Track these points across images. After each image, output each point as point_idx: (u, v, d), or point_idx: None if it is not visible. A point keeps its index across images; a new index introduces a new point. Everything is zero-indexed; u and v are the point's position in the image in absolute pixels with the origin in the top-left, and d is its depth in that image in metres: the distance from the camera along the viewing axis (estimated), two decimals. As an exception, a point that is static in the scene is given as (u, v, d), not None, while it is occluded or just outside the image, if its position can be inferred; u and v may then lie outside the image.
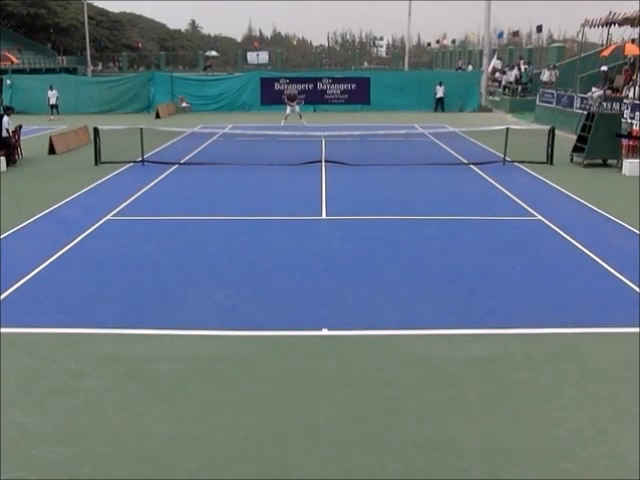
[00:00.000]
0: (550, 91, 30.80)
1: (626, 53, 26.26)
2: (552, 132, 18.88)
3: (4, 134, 18.73)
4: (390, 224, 12.13)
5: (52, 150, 21.03)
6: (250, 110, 37.25)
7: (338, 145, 21.75)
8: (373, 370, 6.47)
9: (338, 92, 38.32)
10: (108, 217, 12.60)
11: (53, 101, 33.42)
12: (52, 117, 32.82)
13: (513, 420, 5.58)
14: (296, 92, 33.94)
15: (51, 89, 33.63)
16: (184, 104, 37.87)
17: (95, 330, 7.44)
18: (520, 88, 37.88)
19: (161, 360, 6.70)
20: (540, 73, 37.20)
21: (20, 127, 20.81)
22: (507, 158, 18.66)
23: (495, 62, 45.12)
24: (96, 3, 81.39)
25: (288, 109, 30.11)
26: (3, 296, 8.36)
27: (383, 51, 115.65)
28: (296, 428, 5.48)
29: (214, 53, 79.61)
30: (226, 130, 25.81)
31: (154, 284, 8.97)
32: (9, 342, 7.06)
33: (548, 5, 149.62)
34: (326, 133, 21.86)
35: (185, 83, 39.67)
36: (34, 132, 26.44)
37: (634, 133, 19.50)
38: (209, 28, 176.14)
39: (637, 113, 21.33)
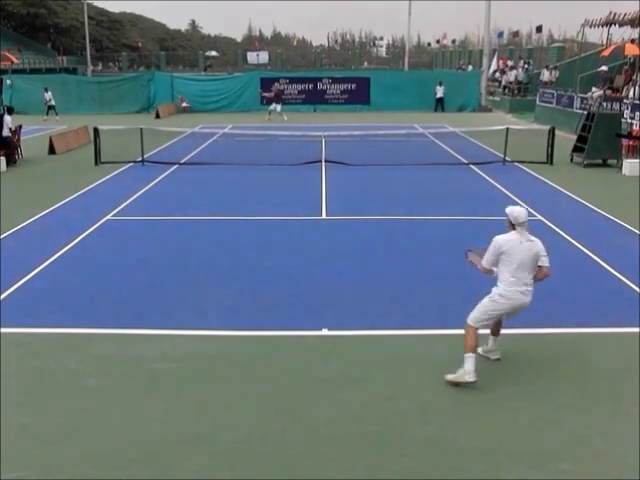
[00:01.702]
0: (550, 91, 30.79)
1: (626, 53, 26.24)
2: (552, 132, 18.88)
3: (5, 133, 18.72)
4: (390, 224, 12.13)
5: (52, 150, 21.03)
6: (250, 110, 37.25)
7: (338, 145, 21.75)
8: (373, 370, 6.47)
9: (338, 92, 38.34)
10: (108, 217, 12.60)
11: (49, 102, 33.34)
12: (46, 117, 32.77)
13: (513, 420, 5.58)
14: (280, 91, 35.31)
15: (46, 91, 33.57)
16: (184, 104, 37.87)
17: (95, 330, 7.45)
18: (520, 88, 37.86)
19: (161, 360, 6.70)
20: (540, 73, 37.19)
21: (20, 127, 20.82)
22: (507, 158, 18.66)
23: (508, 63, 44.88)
24: (96, 3, 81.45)
25: (272, 105, 32.75)
26: (3, 296, 8.37)
27: (383, 51, 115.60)
28: (296, 428, 5.49)
29: (214, 53, 79.62)
30: (226, 130, 25.82)
31: (154, 284, 8.97)
32: (9, 342, 7.06)
33: (548, 5, 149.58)
34: (326, 133, 21.88)
35: (185, 83, 39.67)
36: (34, 132, 26.44)
37: (634, 133, 19.49)
38: (209, 28, 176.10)
39: (637, 113, 21.33)
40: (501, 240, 6.02)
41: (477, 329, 6.13)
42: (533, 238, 6.09)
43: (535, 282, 6.11)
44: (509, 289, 5.99)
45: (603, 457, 5.09)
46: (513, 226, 6.04)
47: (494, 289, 6.12)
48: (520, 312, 6.22)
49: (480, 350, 6.63)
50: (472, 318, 6.15)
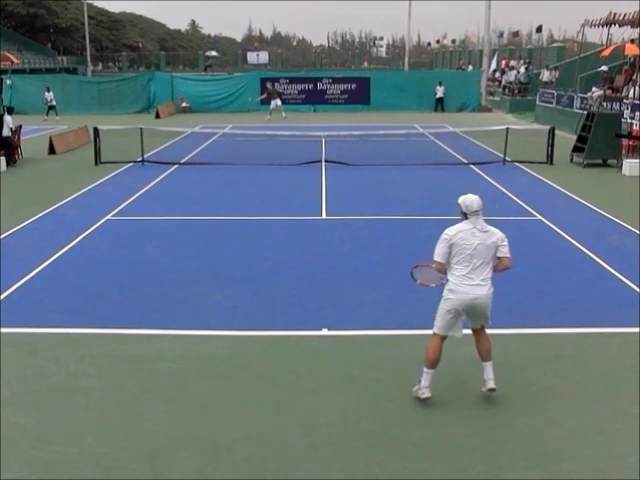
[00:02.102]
0: (550, 91, 30.79)
1: (626, 53, 26.23)
2: (552, 132, 18.87)
3: (5, 133, 18.71)
4: (390, 224, 12.13)
5: (52, 150, 21.03)
6: (250, 110, 37.24)
7: (338, 145, 21.74)
8: (373, 370, 6.47)
9: (338, 92, 38.33)
10: (108, 217, 12.60)
11: (51, 102, 33.37)
12: (46, 117, 32.77)
13: (513, 420, 5.58)
14: (278, 90, 35.44)
15: (48, 91, 33.60)
16: (184, 104, 37.87)
17: (95, 330, 7.45)
18: (520, 88, 37.84)
19: (161, 360, 6.70)
20: (540, 73, 37.20)
21: (20, 127, 20.81)
22: (507, 158, 18.65)
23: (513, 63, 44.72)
24: (96, 3, 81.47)
25: (272, 104, 32.85)
26: (3, 296, 8.36)
27: (383, 51, 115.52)
28: (296, 428, 5.49)
29: (214, 53, 79.57)
30: (226, 130, 25.81)
31: (154, 284, 8.97)
32: (9, 342, 7.06)
33: (548, 5, 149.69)
34: (326, 133, 21.87)
35: (185, 83, 39.66)
36: (34, 132, 26.44)
37: (634, 133, 19.48)
38: (209, 28, 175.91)
39: (637, 113, 21.32)
40: (451, 231, 5.64)
41: (441, 338, 5.75)
42: (489, 228, 5.63)
43: (495, 272, 5.70)
44: (456, 282, 5.58)
45: (603, 457, 5.09)
46: (466, 216, 5.62)
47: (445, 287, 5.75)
48: (484, 310, 5.67)
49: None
50: (434, 324, 5.81)
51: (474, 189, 17.12)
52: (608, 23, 28.09)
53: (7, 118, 18.99)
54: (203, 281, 9.05)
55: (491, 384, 5.75)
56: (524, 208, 13.30)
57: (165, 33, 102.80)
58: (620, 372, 6.43)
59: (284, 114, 31.99)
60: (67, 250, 10.44)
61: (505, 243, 5.66)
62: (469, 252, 5.55)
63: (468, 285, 5.57)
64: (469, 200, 5.62)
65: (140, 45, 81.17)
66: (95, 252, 10.43)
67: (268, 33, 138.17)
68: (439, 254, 5.68)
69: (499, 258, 5.66)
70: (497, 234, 5.66)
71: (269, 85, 35.16)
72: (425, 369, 5.72)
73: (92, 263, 9.89)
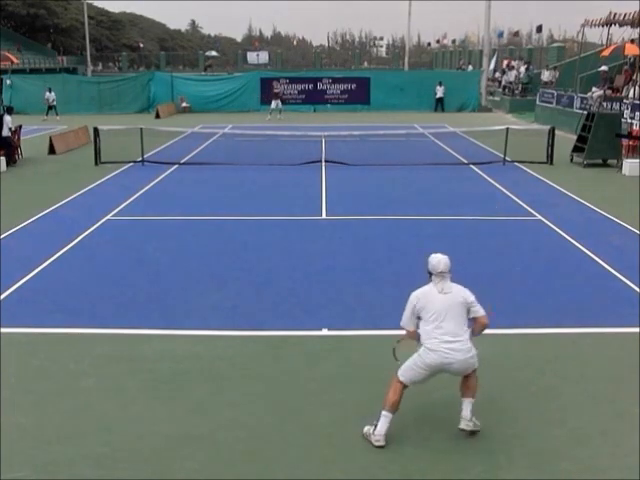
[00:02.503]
0: (550, 91, 30.79)
1: (626, 53, 26.22)
2: (552, 132, 18.87)
3: (5, 133, 18.70)
4: (390, 224, 12.13)
5: (52, 150, 21.02)
6: (250, 110, 37.25)
7: (338, 145, 21.73)
8: (373, 370, 6.46)
9: (338, 92, 38.33)
10: (108, 217, 12.59)
11: (51, 102, 33.44)
12: (46, 117, 32.81)
13: (513, 420, 5.58)
14: (280, 91, 35.55)
15: (49, 91, 33.67)
16: (184, 104, 37.87)
17: (95, 330, 7.45)
18: (520, 88, 37.85)
19: (161, 360, 6.70)
20: (540, 73, 37.19)
21: (20, 127, 20.80)
22: (507, 158, 18.65)
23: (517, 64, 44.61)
24: (96, 3, 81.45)
25: (273, 104, 33.33)
26: (3, 296, 8.36)
27: (383, 51, 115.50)
28: (296, 428, 5.49)
29: (214, 53, 79.55)
30: (226, 130, 25.80)
31: (154, 284, 8.97)
32: (9, 342, 7.06)
33: (548, 5, 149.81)
34: (326, 133, 21.87)
35: (185, 83, 39.67)
36: (34, 132, 26.43)
37: (634, 133, 19.46)
38: (209, 28, 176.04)
39: (637, 113, 21.31)
40: (415, 294, 5.36)
41: (404, 386, 5.28)
42: (453, 289, 5.29)
43: (474, 335, 5.30)
44: (433, 341, 5.18)
45: (603, 457, 5.09)
46: (431, 275, 5.34)
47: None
48: (464, 371, 5.26)
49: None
50: (400, 369, 5.33)
51: (474, 189, 17.15)
52: (608, 23, 28.08)
53: (7, 118, 18.98)
54: (203, 281, 9.05)
55: (463, 425, 5.26)
56: (524, 208, 13.30)
57: (165, 33, 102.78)
58: (620, 372, 6.43)
59: (281, 117, 32.12)
60: (67, 250, 10.44)
61: (474, 302, 5.30)
62: (436, 314, 5.21)
63: (443, 347, 5.15)
64: (435, 260, 5.33)
65: (140, 45, 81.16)
66: (95, 252, 10.44)
67: (268, 33, 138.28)
68: (405, 320, 5.42)
69: (474, 319, 5.31)
70: (462, 294, 5.31)
71: (274, 85, 35.28)
72: (384, 412, 5.25)
73: (92, 263, 9.89)
